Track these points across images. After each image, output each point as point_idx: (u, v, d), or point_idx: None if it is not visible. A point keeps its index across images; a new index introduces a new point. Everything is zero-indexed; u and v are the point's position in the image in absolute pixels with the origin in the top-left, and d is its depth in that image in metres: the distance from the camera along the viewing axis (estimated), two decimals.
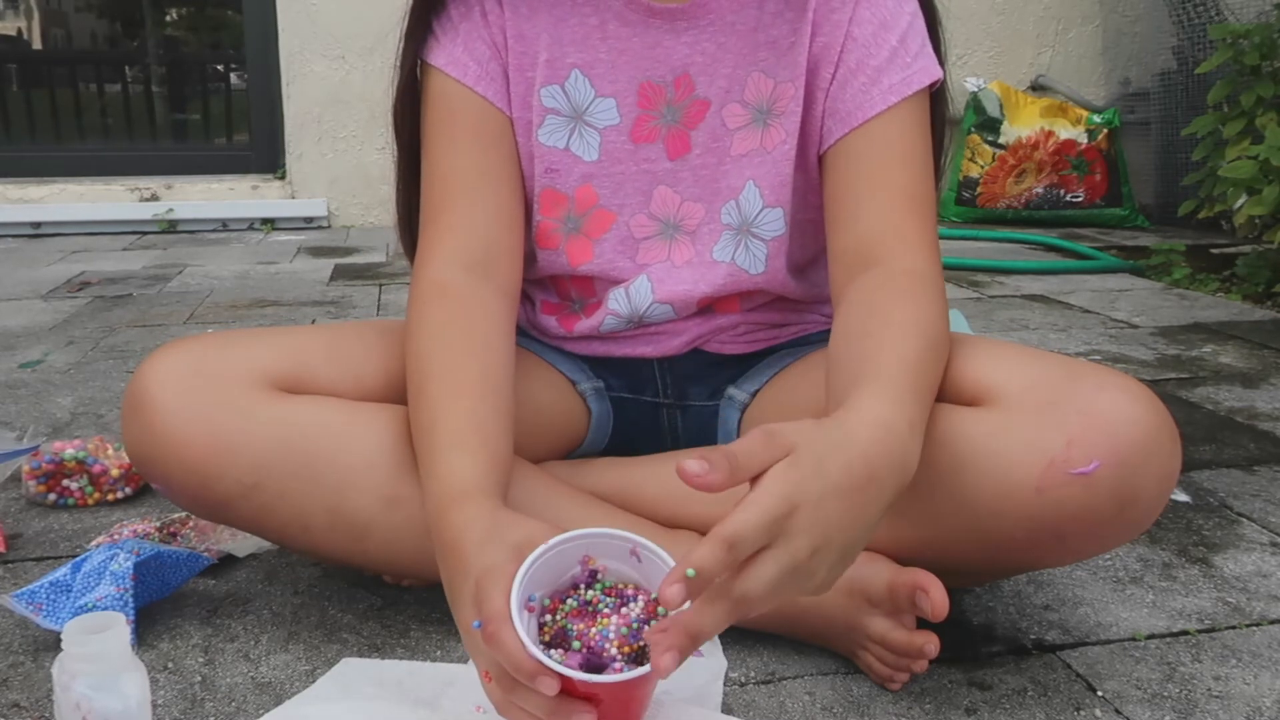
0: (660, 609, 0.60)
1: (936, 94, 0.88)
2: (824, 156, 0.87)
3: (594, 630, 0.60)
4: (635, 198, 0.91)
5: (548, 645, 0.61)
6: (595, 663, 0.59)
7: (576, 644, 0.60)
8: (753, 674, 0.81)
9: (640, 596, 0.62)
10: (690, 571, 0.54)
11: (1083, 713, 0.77)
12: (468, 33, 0.88)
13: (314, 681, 0.78)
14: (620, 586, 0.63)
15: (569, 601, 0.62)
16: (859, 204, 0.84)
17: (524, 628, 0.58)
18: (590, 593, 0.62)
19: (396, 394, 0.85)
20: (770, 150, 0.88)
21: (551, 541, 0.62)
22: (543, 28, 0.88)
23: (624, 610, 0.61)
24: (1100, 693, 0.80)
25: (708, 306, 0.95)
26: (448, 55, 0.88)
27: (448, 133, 0.88)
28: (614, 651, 0.59)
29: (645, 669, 0.57)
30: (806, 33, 0.86)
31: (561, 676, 0.57)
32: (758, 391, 0.96)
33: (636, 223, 0.91)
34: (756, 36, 0.87)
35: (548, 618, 0.62)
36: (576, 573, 0.64)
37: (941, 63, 0.87)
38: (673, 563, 0.59)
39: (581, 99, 0.89)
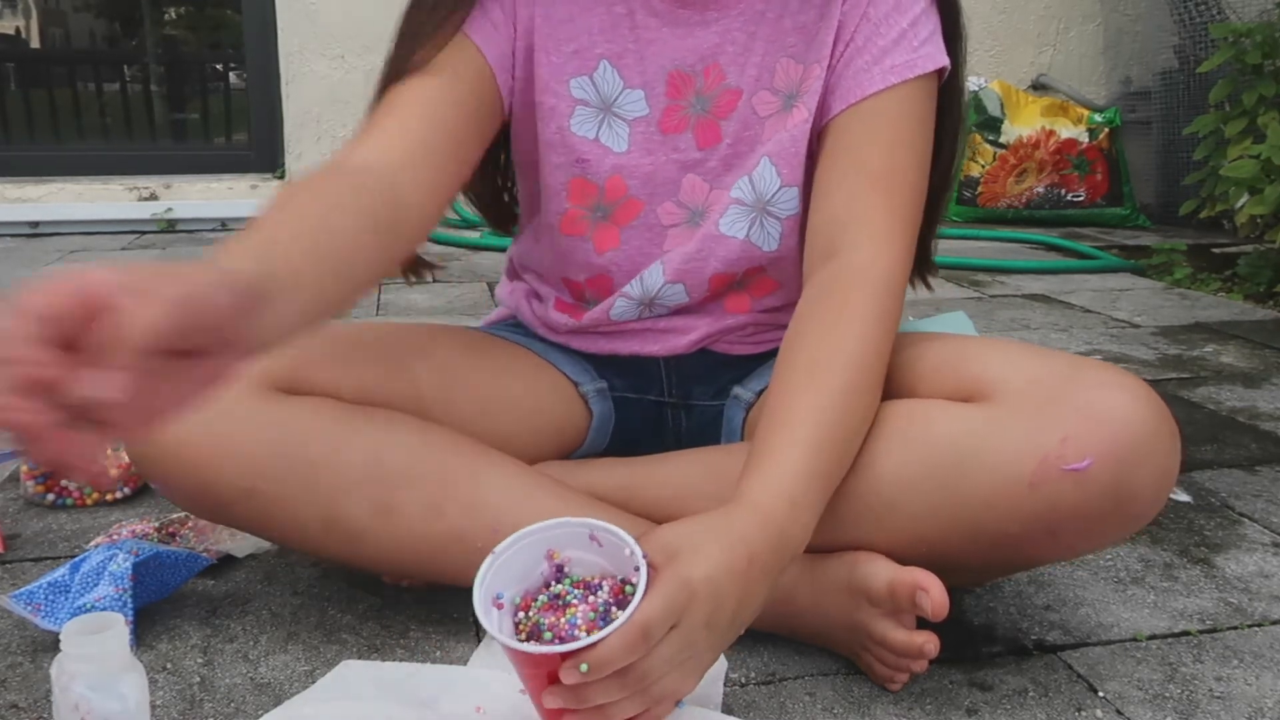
0: (627, 588, 0.64)
1: (951, 94, 0.87)
2: (822, 130, 0.87)
3: (563, 620, 0.63)
4: (665, 187, 0.90)
5: (525, 640, 0.64)
6: None
7: (548, 634, 0.63)
8: (753, 674, 0.81)
9: (606, 583, 0.65)
10: (583, 667, 0.59)
11: (1084, 713, 0.77)
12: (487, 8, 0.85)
13: (313, 682, 0.77)
14: (588, 579, 0.66)
15: (540, 598, 0.66)
16: (835, 182, 0.84)
17: (496, 624, 0.63)
18: (559, 587, 0.66)
19: (398, 397, 0.85)
20: (790, 128, 0.87)
21: (510, 539, 0.66)
22: (570, 15, 0.87)
23: (590, 599, 0.64)
24: (1101, 693, 0.79)
25: (718, 298, 0.94)
26: (475, 23, 0.84)
27: (432, 70, 0.83)
28: (582, 636, 0.61)
29: (565, 645, 0.60)
30: (835, 16, 0.85)
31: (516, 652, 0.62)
32: (763, 390, 0.95)
33: (664, 210, 0.91)
34: (784, 23, 0.87)
35: (521, 615, 0.65)
36: (545, 569, 0.67)
37: (961, 65, 0.86)
38: (631, 541, 0.63)
39: (610, 90, 0.88)
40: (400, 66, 0.82)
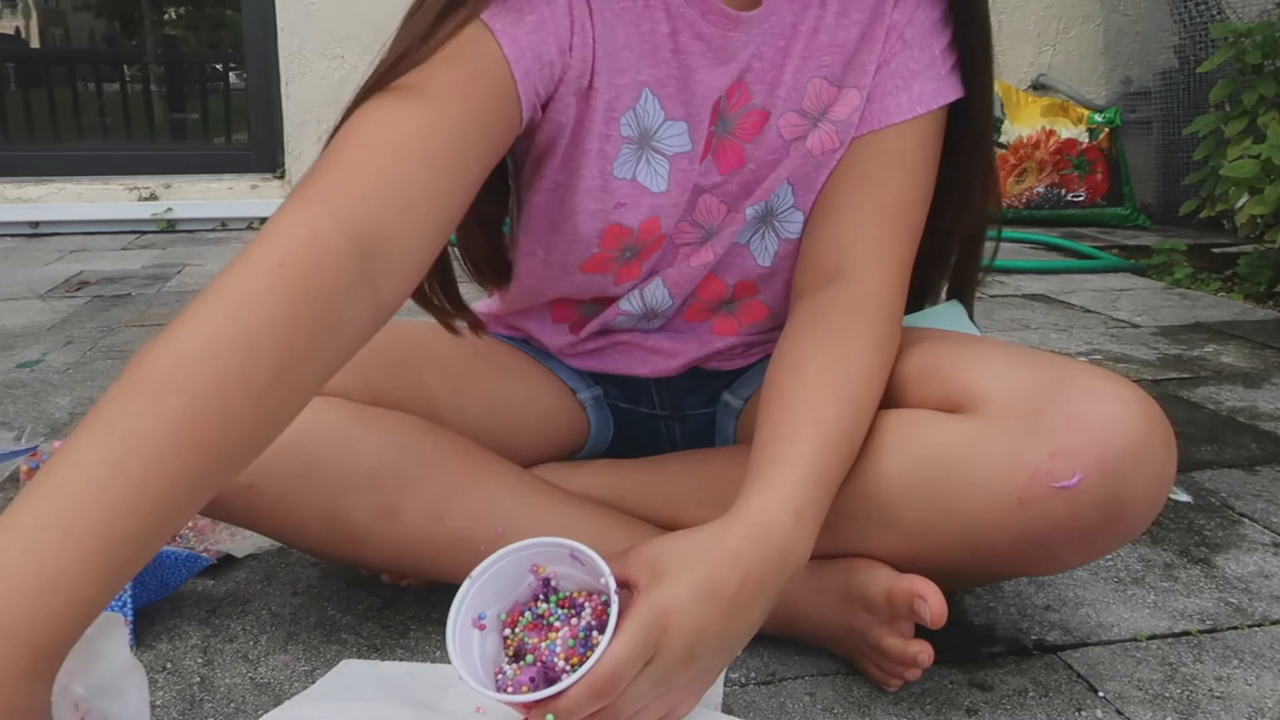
0: (610, 610, 0.63)
1: (980, 113, 0.84)
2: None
3: (544, 645, 0.63)
4: (685, 211, 0.85)
5: (512, 659, 0.64)
6: (550, 675, 0.62)
7: (529, 657, 0.63)
8: (753, 674, 0.81)
9: (589, 604, 0.65)
10: (549, 718, 0.58)
11: (1084, 713, 0.77)
12: (541, 24, 0.71)
13: (313, 682, 0.77)
14: (574, 595, 0.66)
15: (526, 615, 0.66)
16: (846, 205, 0.82)
17: (470, 648, 0.63)
18: (543, 606, 0.66)
19: (409, 400, 0.84)
20: (817, 155, 0.83)
21: (488, 560, 0.65)
22: (622, 43, 0.76)
23: (573, 621, 0.64)
24: (1101, 693, 0.79)
25: (707, 318, 0.93)
26: (510, 31, 0.69)
27: (440, 94, 0.67)
28: (561, 664, 0.62)
29: (528, 696, 0.60)
30: (879, 39, 0.81)
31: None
32: (751, 396, 0.95)
33: (679, 229, 0.86)
34: (819, 39, 0.81)
35: (508, 631, 0.65)
36: (533, 583, 0.66)
37: (991, 80, 0.84)
38: (605, 569, 0.62)
39: (650, 122, 0.79)
40: (406, 65, 0.68)
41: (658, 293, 0.90)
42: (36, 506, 0.49)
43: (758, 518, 0.67)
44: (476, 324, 0.88)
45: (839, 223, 0.82)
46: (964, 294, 0.93)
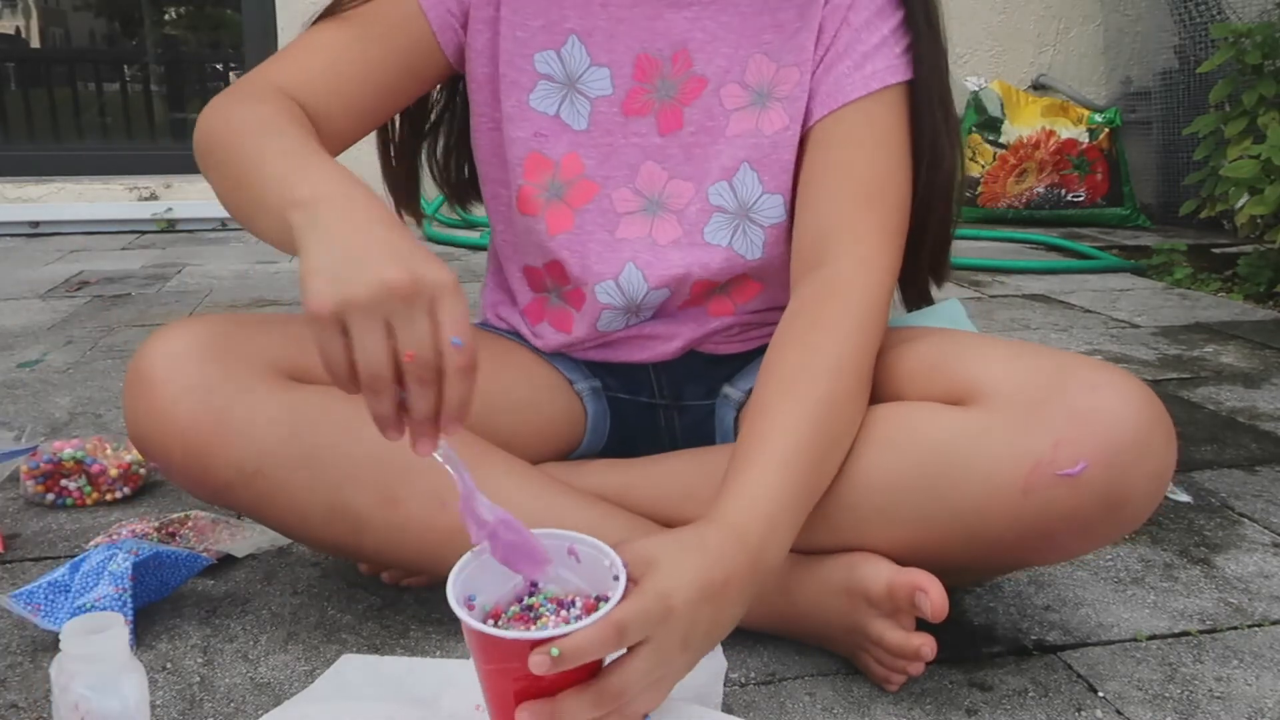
0: (601, 604, 0.62)
1: (935, 89, 0.86)
2: (804, 136, 0.87)
3: (534, 629, 0.63)
4: (621, 171, 0.90)
5: None
6: None
7: None
8: (753, 674, 0.81)
9: (579, 600, 0.65)
10: (554, 650, 0.58)
11: (1084, 713, 0.77)
12: None
13: (313, 682, 0.77)
14: (561, 597, 0.66)
15: (512, 609, 0.65)
16: (819, 191, 0.84)
17: (467, 615, 0.62)
18: (532, 599, 0.66)
19: None
20: (769, 134, 0.87)
21: (486, 544, 0.65)
22: None
23: (562, 613, 0.64)
24: (1101, 693, 0.79)
25: (702, 303, 0.94)
26: None
27: (357, 17, 0.85)
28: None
29: (536, 633, 0.59)
30: (816, 17, 0.85)
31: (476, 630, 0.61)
32: (751, 390, 0.95)
33: (619, 196, 0.90)
34: (761, 19, 0.87)
35: (491, 623, 0.65)
36: (519, 584, 0.66)
37: (942, 61, 0.86)
38: (610, 552, 0.63)
39: (576, 66, 0.88)
40: (340, 3, 0.86)
41: (633, 278, 0.91)
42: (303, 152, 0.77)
43: (732, 520, 0.68)
44: (417, 217, 1.05)
45: (815, 209, 0.84)
46: (935, 275, 0.94)
